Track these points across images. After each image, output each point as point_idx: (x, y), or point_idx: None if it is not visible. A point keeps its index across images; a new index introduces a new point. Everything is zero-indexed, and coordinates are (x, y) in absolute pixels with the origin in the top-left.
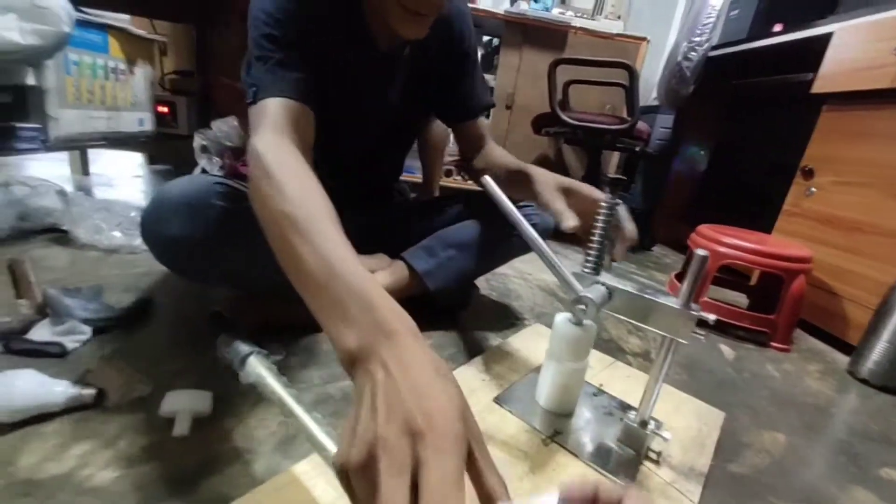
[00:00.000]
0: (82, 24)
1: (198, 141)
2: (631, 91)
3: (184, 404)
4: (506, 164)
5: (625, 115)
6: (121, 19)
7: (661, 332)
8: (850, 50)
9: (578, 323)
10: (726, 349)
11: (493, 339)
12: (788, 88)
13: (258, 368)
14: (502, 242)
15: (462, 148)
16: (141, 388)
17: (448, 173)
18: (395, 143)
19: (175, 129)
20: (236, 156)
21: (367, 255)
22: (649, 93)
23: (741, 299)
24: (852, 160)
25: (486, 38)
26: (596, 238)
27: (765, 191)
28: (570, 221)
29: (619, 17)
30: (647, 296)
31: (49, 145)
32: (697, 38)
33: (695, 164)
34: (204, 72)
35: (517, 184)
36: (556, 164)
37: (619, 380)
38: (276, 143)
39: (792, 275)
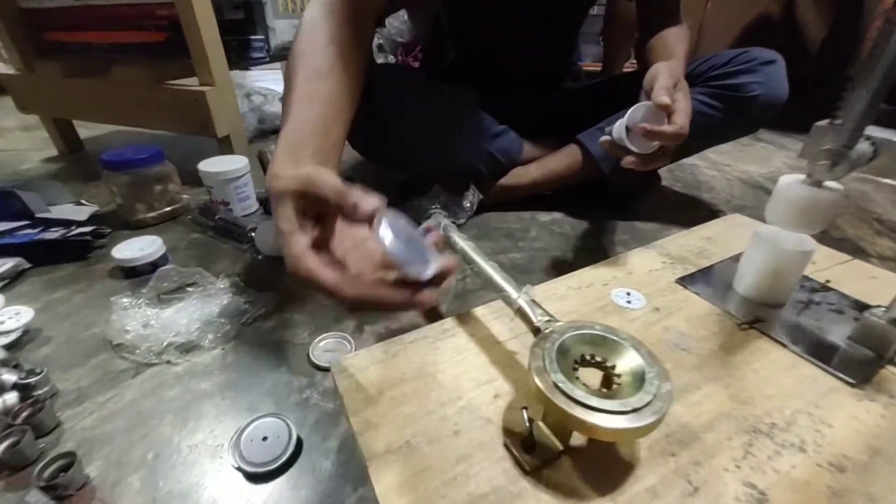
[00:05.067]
0: None
1: (374, 41)
2: None
3: None
4: (653, 48)
5: None
6: None
7: None
8: None
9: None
10: None
11: (677, 230)
12: None
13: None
14: (701, 118)
15: (641, 25)
16: None
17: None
18: (563, 12)
19: None
20: (407, 51)
21: (535, 142)
22: None
23: None
24: None
25: None
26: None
27: None
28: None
29: None
30: None
31: (272, 55)
32: None
33: None
34: None
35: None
36: (783, 24)
37: (858, 279)
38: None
39: None
